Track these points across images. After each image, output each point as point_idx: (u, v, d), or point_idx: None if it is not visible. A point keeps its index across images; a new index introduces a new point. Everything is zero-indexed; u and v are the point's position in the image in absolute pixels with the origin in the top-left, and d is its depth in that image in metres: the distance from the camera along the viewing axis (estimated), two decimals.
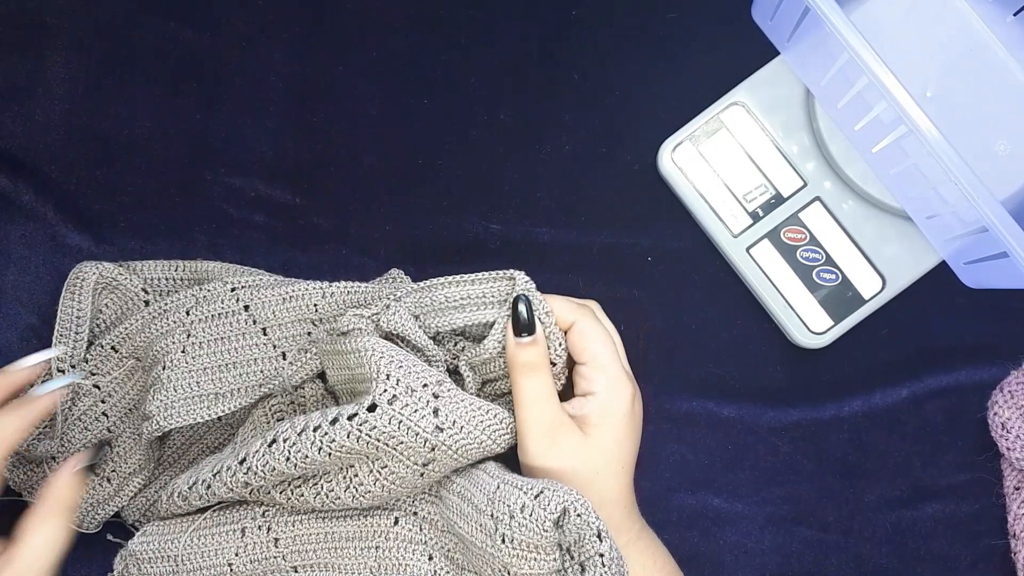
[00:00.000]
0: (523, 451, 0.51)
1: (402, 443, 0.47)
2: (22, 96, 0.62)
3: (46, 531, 0.46)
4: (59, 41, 0.62)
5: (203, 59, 0.63)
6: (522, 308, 0.50)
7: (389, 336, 0.53)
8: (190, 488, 0.53)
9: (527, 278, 0.52)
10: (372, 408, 0.47)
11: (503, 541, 0.45)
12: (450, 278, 0.53)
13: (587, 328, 0.51)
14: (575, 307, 0.52)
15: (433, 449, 0.48)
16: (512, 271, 0.52)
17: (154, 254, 0.61)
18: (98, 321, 0.58)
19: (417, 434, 0.47)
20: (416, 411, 0.47)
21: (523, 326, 0.50)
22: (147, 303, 0.58)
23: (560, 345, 0.52)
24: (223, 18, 0.63)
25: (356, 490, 0.50)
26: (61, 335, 0.56)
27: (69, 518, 0.47)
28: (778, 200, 0.61)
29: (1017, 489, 0.60)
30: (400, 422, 0.47)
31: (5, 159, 0.61)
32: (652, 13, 0.64)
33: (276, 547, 0.52)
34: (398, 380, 0.48)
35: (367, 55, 0.64)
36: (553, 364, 0.52)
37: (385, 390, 0.48)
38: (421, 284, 0.54)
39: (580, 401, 0.51)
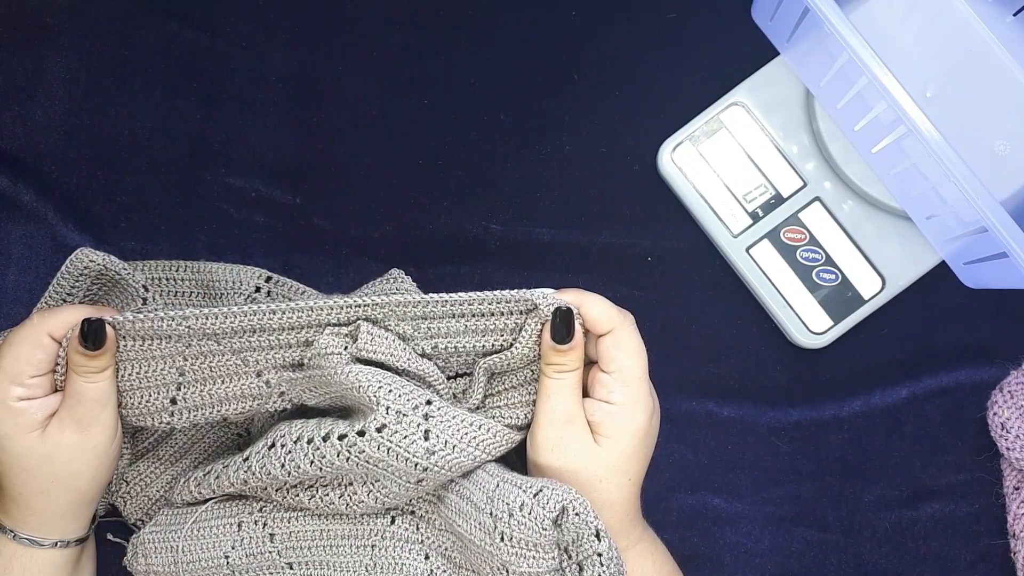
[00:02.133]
0: (532, 442, 0.51)
1: (392, 466, 0.47)
2: (22, 96, 0.62)
3: (73, 387, 0.50)
4: (59, 41, 0.62)
5: (203, 59, 0.63)
6: (561, 322, 0.50)
7: (366, 361, 0.51)
8: (204, 476, 0.54)
9: (548, 298, 0.50)
10: (362, 433, 0.47)
11: (502, 539, 0.45)
12: (461, 303, 0.51)
13: (625, 340, 0.50)
14: (616, 314, 0.51)
15: (425, 470, 0.48)
16: (532, 297, 0.50)
17: (154, 254, 0.61)
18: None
19: (407, 459, 0.47)
20: (405, 438, 0.47)
21: (562, 336, 0.50)
22: (145, 300, 0.58)
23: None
24: (223, 18, 0.63)
25: (350, 499, 0.50)
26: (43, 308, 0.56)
27: (92, 377, 0.50)
28: (778, 200, 0.61)
29: (1016, 489, 0.60)
30: (388, 449, 0.47)
31: (5, 159, 0.61)
32: (652, 13, 0.64)
33: (272, 542, 0.53)
34: (388, 407, 0.47)
35: (367, 55, 0.64)
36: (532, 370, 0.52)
37: (375, 418, 0.47)
38: (426, 303, 0.51)
39: (595, 406, 0.50)
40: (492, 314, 0.51)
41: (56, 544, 0.52)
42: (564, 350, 0.50)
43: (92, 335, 0.50)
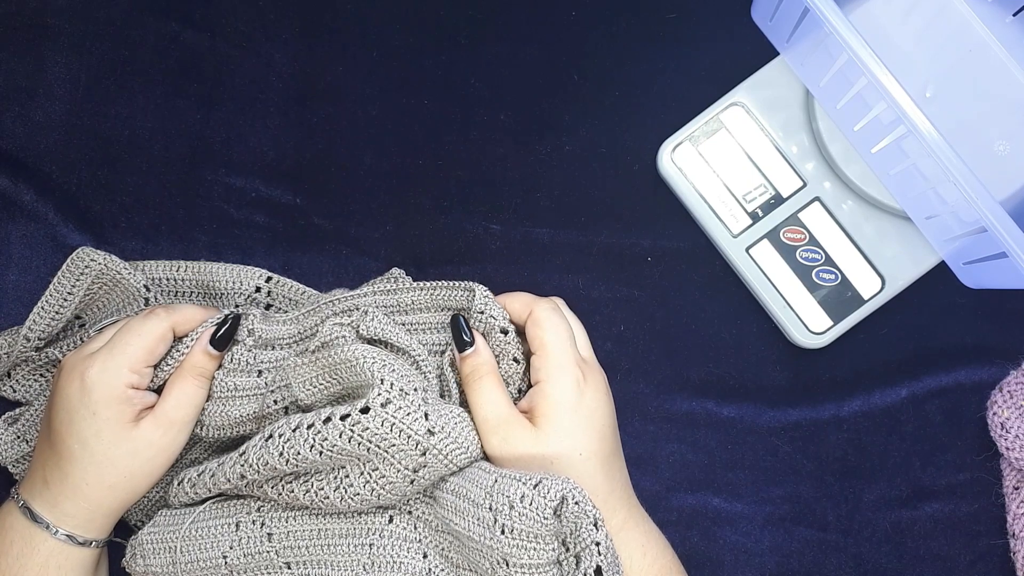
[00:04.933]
0: (485, 450, 0.52)
1: (394, 445, 0.48)
2: (23, 96, 0.62)
3: (183, 389, 0.53)
4: (59, 41, 0.62)
5: (203, 59, 0.63)
6: (456, 326, 0.53)
7: (371, 342, 0.53)
8: (199, 475, 0.54)
9: (486, 291, 0.54)
10: (365, 411, 0.48)
11: (503, 532, 0.45)
12: (413, 284, 0.56)
13: (540, 318, 0.52)
14: (532, 299, 0.54)
15: (425, 453, 0.48)
16: (472, 283, 0.54)
17: (155, 254, 0.61)
18: (90, 309, 0.59)
19: (409, 436, 0.48)
20: (408, 414, 0.48)
21: (463, 342, 0.53)
22: (147, 301, 0.58)
23: (519, 348, 0.53)
24: (223, 18, 0.63)
25: (345, 491, 0.50)
26: (43, 308, 0.56)
27: (203, 381, 0.53)
28: (777, 200, 0.61)
29: (1016, 489, 0.60)
30: (392, 425, 0.47)
31: (5, 159, 0.61)
32: (652, 13, 0.64)
33: (270, 542, 0.53)
34: (392, 384, 0.48)
35: (367, 55, 0.64)
36: (517, 362, 0.53)
37: (379, 393, 0.48)
38: (382, 288, 0.56)
39: (530, 392, 0.52)
40: (441, 288, 0.55)
41: (91, 544, 0.52)
42: (469, 355, 0.53)
43: (225, 337, 0.53)
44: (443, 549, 0.51)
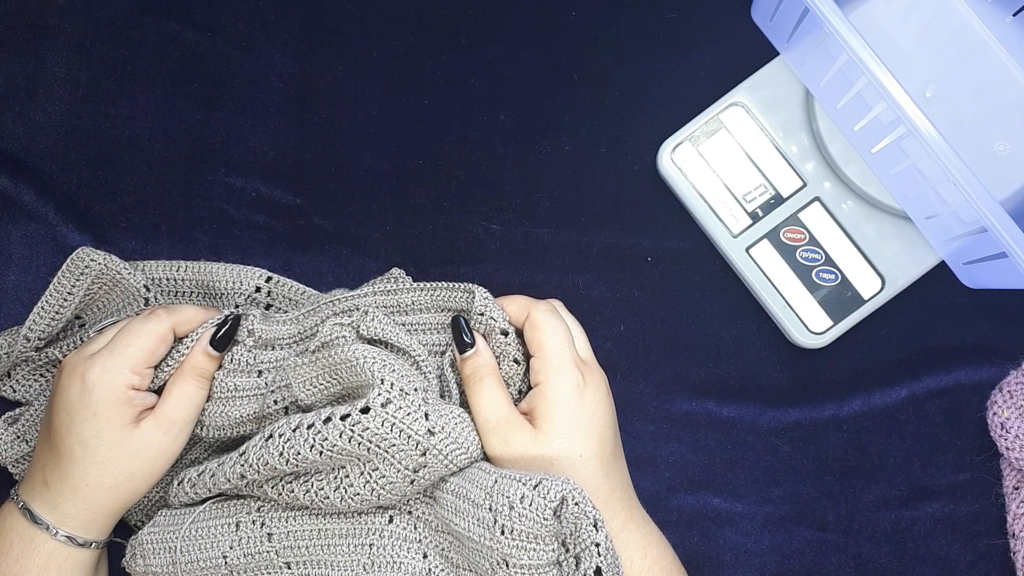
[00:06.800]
0: (485, 451, 0.52)
1: (394, 445, 0.48)
2: (23, 96, 0.62)
3: (183, 390, 0.53)
4: (59, 42, 0.62)
5: (203, 59, 0.63)
6: (457, 327, 0.53)
7: (371, 342, 0.53)
8: (199, 475, 0.54)
9: (486, 293, 0.54)
10: (365, 410, 0.48)
11: (503, 533, 0.45)
12: (413, 284, 0.56)
13: (538, 320, 0.53)
14: (529, 302, 0.54)
15: (425, 453, 0.48)
16: (472, 285, 0.54)
17: (155, 254, 0.61)
18: (90, 309, 0.59)
19: (409, 436, 0.48)
20: (409, 415, 0.48)
21: (463, 343, 0.53)
22: (147, 301, 0.58)
23: (519, 350, 0.53)
24: (223, 18, 0.63)
25: (345, 491, 0.50)
26: (43, 308, 0.56)
27: (203, 382, 0.54)
28: (777, 200, 0.61)
29: (1016, 489, 0.60)
30: (393, 425, 0.47)
31: (6, 159, 0.61)
32: (652, 13, 0.64)
33: (269, 542, 0.53)
34: (392, 384, 0.48)
35: (367, 55, 0.64)
36: (517, 363, 0.53)
37: (380, 393, 0.48)
38: (382, 289, 0.56)
39: (530, 393, 0.52)
40: (441, 289, 0.55)
41: (91, 544, 0.52)
42: (469, 356, 0.53)
43: (225, 338, 0.53)
44: (443, 549, 0.51)
